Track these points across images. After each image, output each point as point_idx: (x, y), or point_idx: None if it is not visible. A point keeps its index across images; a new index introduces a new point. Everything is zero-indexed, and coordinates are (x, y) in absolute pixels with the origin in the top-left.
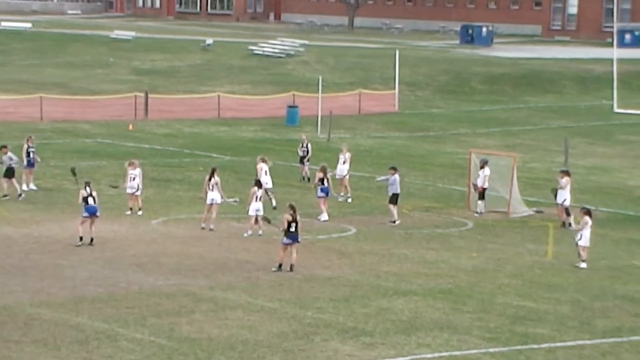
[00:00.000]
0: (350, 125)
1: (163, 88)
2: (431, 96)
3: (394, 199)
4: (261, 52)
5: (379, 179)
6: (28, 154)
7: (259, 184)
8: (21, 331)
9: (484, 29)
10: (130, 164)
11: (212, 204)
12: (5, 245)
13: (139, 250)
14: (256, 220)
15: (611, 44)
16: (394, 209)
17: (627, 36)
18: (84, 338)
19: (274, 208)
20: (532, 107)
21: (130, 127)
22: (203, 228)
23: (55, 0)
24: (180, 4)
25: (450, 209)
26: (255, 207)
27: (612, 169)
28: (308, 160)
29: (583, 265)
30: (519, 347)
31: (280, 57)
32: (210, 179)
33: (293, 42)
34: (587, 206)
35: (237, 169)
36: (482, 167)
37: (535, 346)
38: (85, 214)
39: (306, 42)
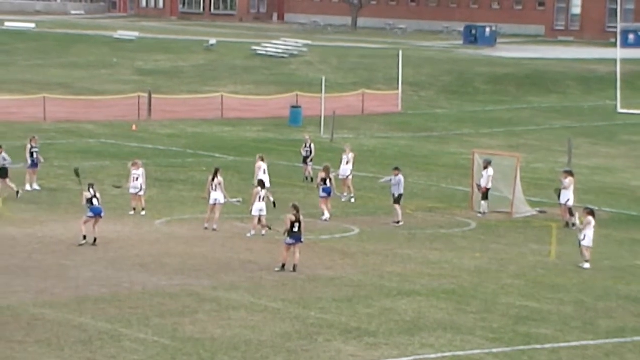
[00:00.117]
0: (354, 125)
1: (166, 88)
2: (435, 96)
3: (398, 199)
4: (264, 53)
5: (382, 180)
6: (31, 154)
7: (262, 184)
8: (24, 331)
9: (488, 30)
10: (134, 164)
11: (215, 204)
12: (8, 246)
13: (143, 250)
14: (259, 220)
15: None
16: (399, 209)
17: (631, 36)
18: (87, 338)
19: (274, 206)
20: (535, 107)
21: (134, 127)
22: (206, 228)
23: (59, 1)
24: (184, 4)
25: (453, 210)
26: (259, 208)
27: (615, 169)
28: (311, 161)
29: (586, 265)
30: (522, 347)
31: (283, 57)
32: (213, 179)
33: (296, 43)
34: (591, 206)
35: (241, 169)
36: (485, 168)
37: (538, 346)
38: (90, 214)
39: (309, 42)
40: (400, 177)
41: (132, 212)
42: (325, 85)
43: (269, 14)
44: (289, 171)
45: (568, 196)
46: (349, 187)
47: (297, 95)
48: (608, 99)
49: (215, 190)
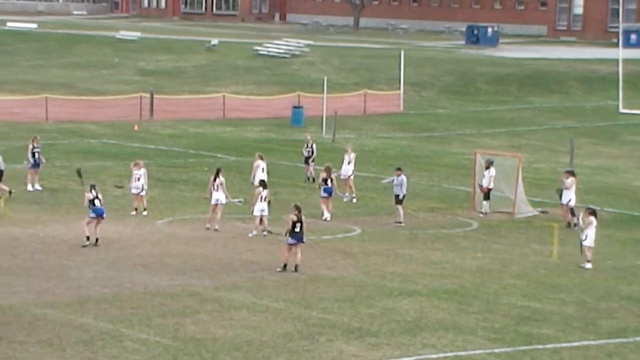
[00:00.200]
0: (355, 125)
1: (168, 88)
2: (436, 96)
3: (398, 200)
4: (266, 53)
5: (385, 180)
6: (33, 154)
7: (263, 184)
8: (26, 331)
9: (490, 30)
10: (135, 165)
11: (217, 205)
12: (10, 246)
13: (144, 250)
14: (261, 220)
15: (617, 44)
16: (401, 209)
17: (633, 36)
18: (89, 338)
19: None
20: (537, 107)
21: (136, 127)
22: (208, 228)
23: (61, 1)
24: (186, 4)
25: (455, 210)
26: (260, 208)
27: (617, 169)
28: (313, 161)
29: (588, 265)
30: (524, 347)
31: (285, 57)
32: (215, 180)
33: (298, 43)
34: (592, 206)
35: (242, 169)
36: (487, 168)
37: (540, 347)
38: (93, 215)
39: (311, 42)
40: (403, 177)
41: (133, 213)
42: (327, 86)
43: (271, 14)
44: (291, 171)
45: (570, 196)
46: (350, 187)
47: (298, 95)
48: (610, 99)
49: (217, 190)
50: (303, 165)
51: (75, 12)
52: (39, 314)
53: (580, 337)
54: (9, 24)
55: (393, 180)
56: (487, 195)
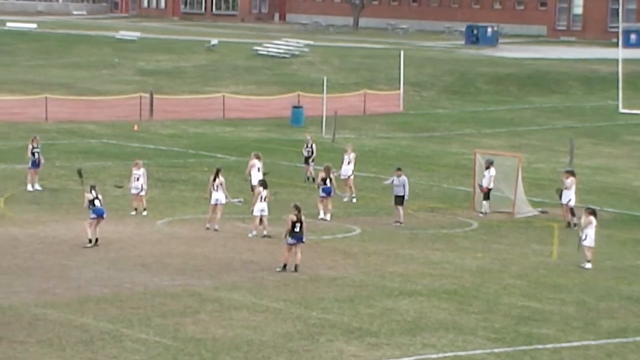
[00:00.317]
0: (355, 125)
1: (168, 88)
2: (436, 96)
3: (399, 200)
4: (266, 53)
5: (387, 182)
6: (33, 154)
7: (264, 184)
8: (26, 331)
9: (489, 30)
10: (135, 165)
11: (216, 205)
12: (10, 246)
13: (144, 250)
14: (261, 220)
15: (617, 44)
16: (401, 210)
17: (633, 36)
18: (89, 338)
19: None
20: (537, 107)
21: (136, 127)
22: (208, 228)
23: (61, 1)
24: (185, 4)
25: (455, 210)
26: (260, 208)
27: (617, 169)
28: (313, 161)
29: (588, 265)
30: (524, 347)
31: (285, 57)
32: (214, 180)
33: (298, 43)
34: (592, 206)
35: (242, 169)
36: (487, 168)
37: (540, 346)
38: (93, 216)
39: (311, 42)
40: (404, 177)
41: (133, 213)
42: (327, 86)
43: (271, 14)
44: (291, 171)
45: (570, 196)
46: (350, 187)
47: (298, 95)
48: (610, 99)
49: (217, 190)
50: (303, 165)
51: (75, 12)
52: (39, 314)
53: (580, 337)
54: (8, 24)
55: (393, 181)
56: (487, 195)
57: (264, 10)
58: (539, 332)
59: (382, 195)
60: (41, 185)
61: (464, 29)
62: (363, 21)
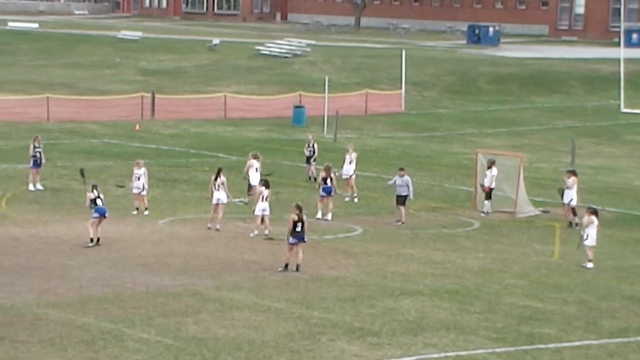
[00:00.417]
0: (357, 125)
1: (170, 88)
2: (438, 96)
3: (401, 200)
4: (268, 52)
5: (389, 182)
6: (34, 154)
7: (266, 183)
8: (28, 331)
9: (491, 29)
10: (136, 164)
11: (218, 204)
12: (12, 246)
13: (146, 250)
14: (262, 220)
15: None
16: (403, 210)
17: (634, 36)
18: (90, 338)
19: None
20: (539, 107)
21: (137, 127)
22: (209, 228)
23: (62, 1)
24: (187, 4)
25: (456, 209)
26: (262, 207)
27: (619, 169)
28: (314, 160)
29: (590, 265)
30: (525, 347)
31: (286, 57)
32: (216, 179)
33: (299, 42)
34: (594, 206)
35: (244, 169)
36: (489, 167)
37: (541, 346)
38: (96, 215)
39: (313, 42)
40: (407, 177)
41: (135, 212)
42: (329, 85)
43: (272, 14)
44: (292, 171)
45: (571, 196)
46: (352, 187)
47: (300, 95)
48: (611, 98)
49: (218, 190)
50: (304, 165)
51: (76, 12)
52: (40, 313)
53: (582, 336)
54: (10, 23)
55: (395, 181)
56: (488, 194)
57: (266, 9)
58: (541, 331)
59: (383, 195)
60: (43, 185)
61: (465, 28)
62: (365, 21)
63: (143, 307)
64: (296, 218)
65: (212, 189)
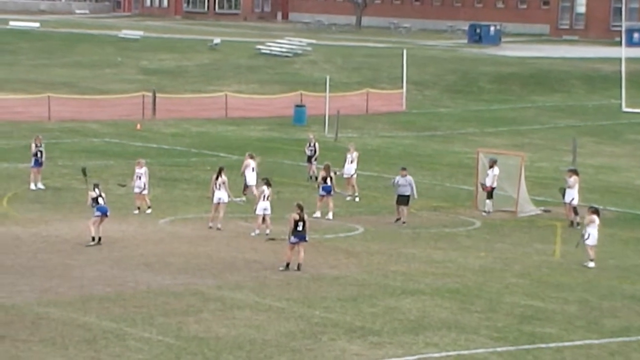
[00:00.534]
0: (358, 124)
1: (171, 87)
2: (439, 95)
3: (403, 199)
4: (269, 52)
5: (392, 182)
6: (35, 153)
7: (267, 183)
8: (29, 330)
9: (492, 28)
10: (137, 163)
11: (219, 203)
12: (13, 245)
13: (147, 249)
14: (264, 219)
15: (619, 43)
16: (405, 210)
17: (636, 35)
18: (91, 337)
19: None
20: (540, 106)
21: (138, 126)
22: (210, 227)
23: (63, 0)
24: (188, 3)
25: (457, 209)
26: (263, 207)
27: (620, 168)
28: (315, 160)
29: (591, 264)
30: (526, 346)
31: (287, 56)
32: (217, 178)
33: (300, 42)
34: (595, 205)
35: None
36: (491, 167)
37: (543, 345)
38: (98, 214)
39: (314, 41)
40: (410, 177)
41: (136, 212)
42: (330, 85)
43: (273, 13)
44: (294, 170)
45: (572, 195)
46: (353, 186)
47: (301, 94)
48: (613, 97)
49: (219, 189)
50: (305, 164)
51: (77, 11)
52: (41, 312)
53: (583, 336)
54: (11, 22)
55: (398, 181)
56: (490, 194)
57: (267, 9)
58: (542, 331)
59: (384, 195)
60: (44, 184)
61: (466, 27)
62: (366, 20)
63: (144, 306)
64: (297, 217)
65: (213, 188)
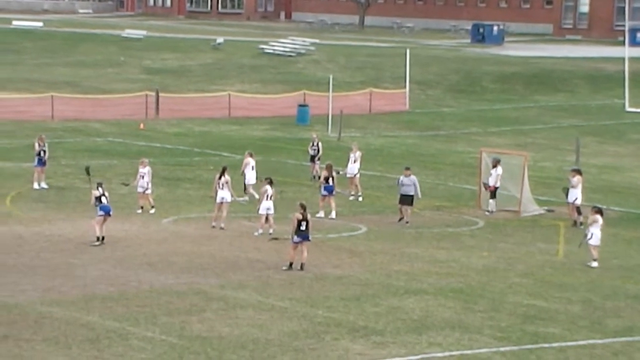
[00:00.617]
0: (361, 124)
1: (174, 87)
2: (442, 95)
3: (406, 199)
4: (272, 51)
5: (397, 181)
6: (39, 153)
7: (270, 182)
8: (32, 330)
9: (495, 28)
10: (141, 163)
11: (222, 203)
12: (16, 244)
13: (150, 249)
14: (267, 219)
15: (623, 43)
16: (409, 209)
17: (639, 35)
18: (94, 337)
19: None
20: (543, 106)
21: (141, 126)
22: (214, 227)
23: (67, 0)
24: (191, 3)
25: (461, 208)
26: (266, 206)
27: (623, 168)
28: (319, 159)
29: (594, 264)
30: (530, 346)
31: (291, 56)
32: (220, 178)
33: (304, 41)
34: (598, 205)
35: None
36: (494, 166)
37: (546, 345)
38: (101, 213)
39: (317, 41)
40: (414, 177)
41: (139, 211)
42: (333, 84)
43: (276, 13)
44: (297, 170)
45: (576, 195)
46: (356, 186)
47: (304, 93)
48: (616, 97)
49: (222, 188)
50: (309, 163)
51: (81, 11)
52: (44, 312)
53: (587, 336)
54: (14, 22)
55: (402, 180)
56: (493, 193)
57: (270, 8)
58: (545, 330)
59: (387, 194)
60: (47, 184)
61: (469, 27)
62: (369, 20)
63: (147, 305)
64: (300, 217)
65: (216, 187)
